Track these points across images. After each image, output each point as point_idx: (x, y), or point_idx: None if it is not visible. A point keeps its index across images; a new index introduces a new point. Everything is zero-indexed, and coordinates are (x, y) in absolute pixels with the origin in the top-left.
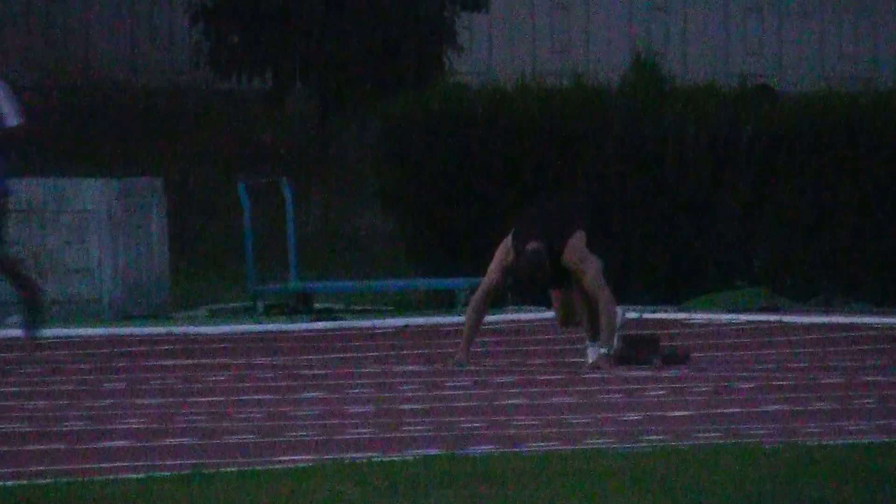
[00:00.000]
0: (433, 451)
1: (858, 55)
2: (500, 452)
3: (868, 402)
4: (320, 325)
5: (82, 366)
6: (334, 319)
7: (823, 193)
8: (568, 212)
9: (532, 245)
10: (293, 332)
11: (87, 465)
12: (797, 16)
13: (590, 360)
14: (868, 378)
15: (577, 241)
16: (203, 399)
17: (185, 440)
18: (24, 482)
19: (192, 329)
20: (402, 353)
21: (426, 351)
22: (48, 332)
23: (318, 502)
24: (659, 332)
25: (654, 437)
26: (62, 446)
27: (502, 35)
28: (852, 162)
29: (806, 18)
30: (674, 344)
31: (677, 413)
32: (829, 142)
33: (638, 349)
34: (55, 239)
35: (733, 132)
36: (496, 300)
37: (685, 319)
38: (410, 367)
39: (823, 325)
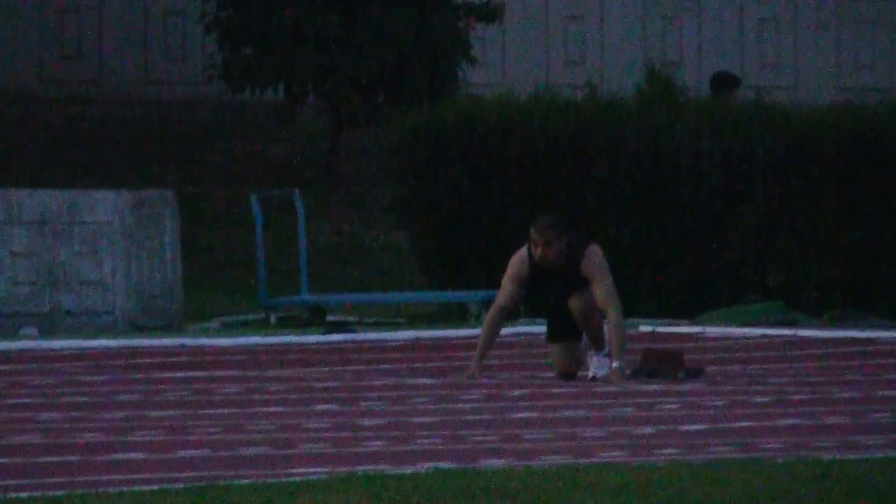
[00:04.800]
0: (445, 465)
1: (875, 66)
2: (512, 466)
3: (883, 417)
4: (332, 337)
5: (95, 378)
6: (347, 332)
7: (839, 207)
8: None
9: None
10: (305, 344)
11: (101, 478)
12: (813, 27)
13: (593, 371)
14: (883, 393)
15: (598, 249)
16: (216, 411)
17: (199, 452)
18: (38, 494)
19: (204, 341)
20: (415, 365)
21: (438, 364)
22: (61, 344)
23: None
24: (681, 346)
25: (668, 451)
26: (75, 458)
27: (516, 47)
28: (868, 175)
29: (822, 30)
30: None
31: (691, 427)
32: (845, 155)
33: (663, 363)
34: (68, 251)
35: (748, 146)
36: (512, 314)
37: (699, 333)
38: (423, 380)
39: (838, 339)
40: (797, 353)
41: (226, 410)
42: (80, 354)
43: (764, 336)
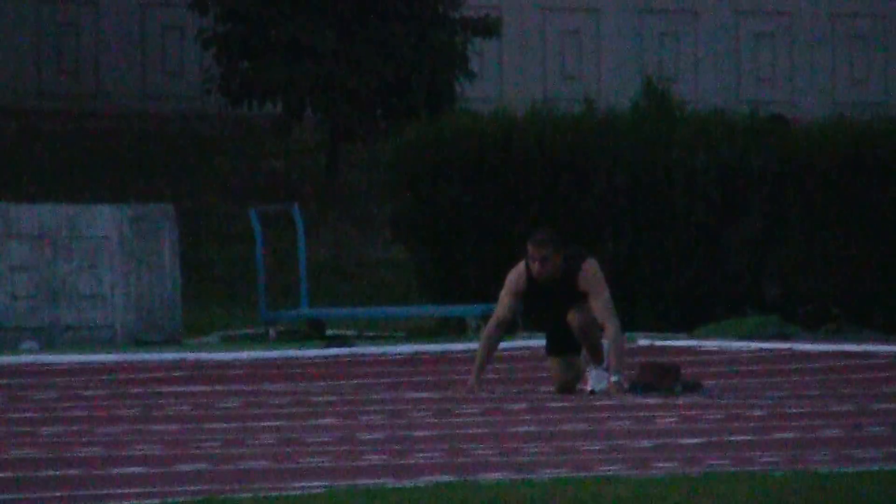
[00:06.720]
0: (445, 478)
1: (870, 81)
2: (511, 479)
3: (879, 430)
4: (332, 351)
5: (95, 392)
6: (346, 346)
7: (834, 221)
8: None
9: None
10: (305, 358)
11: (101, 492)
12: (808, 43)
13: (591, 385)
14: (879, 406)
15: (594, 263)
16: (216, 425)
17: (199, 466)
18: None
19: (204, 355)
20: (414, 379)
21: (438, 378)
22: (61, 358)
23: None
24: (678, 359)
25: (665, 464)
26: (76, 472)
27: (513, 62)
28: (863, 190)
29: (817, 45)
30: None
31: (688, 440)
32: (840, 169)
33: (660, 377)
34: (68, 265)
35: (744, 160)
36: (509, 328)
37: (696, 347)
38: (422, 394)
39: (834, 353)
40: (793, 366)
41: (226, 424)
42: (80, 369)
43: (760, 349)
